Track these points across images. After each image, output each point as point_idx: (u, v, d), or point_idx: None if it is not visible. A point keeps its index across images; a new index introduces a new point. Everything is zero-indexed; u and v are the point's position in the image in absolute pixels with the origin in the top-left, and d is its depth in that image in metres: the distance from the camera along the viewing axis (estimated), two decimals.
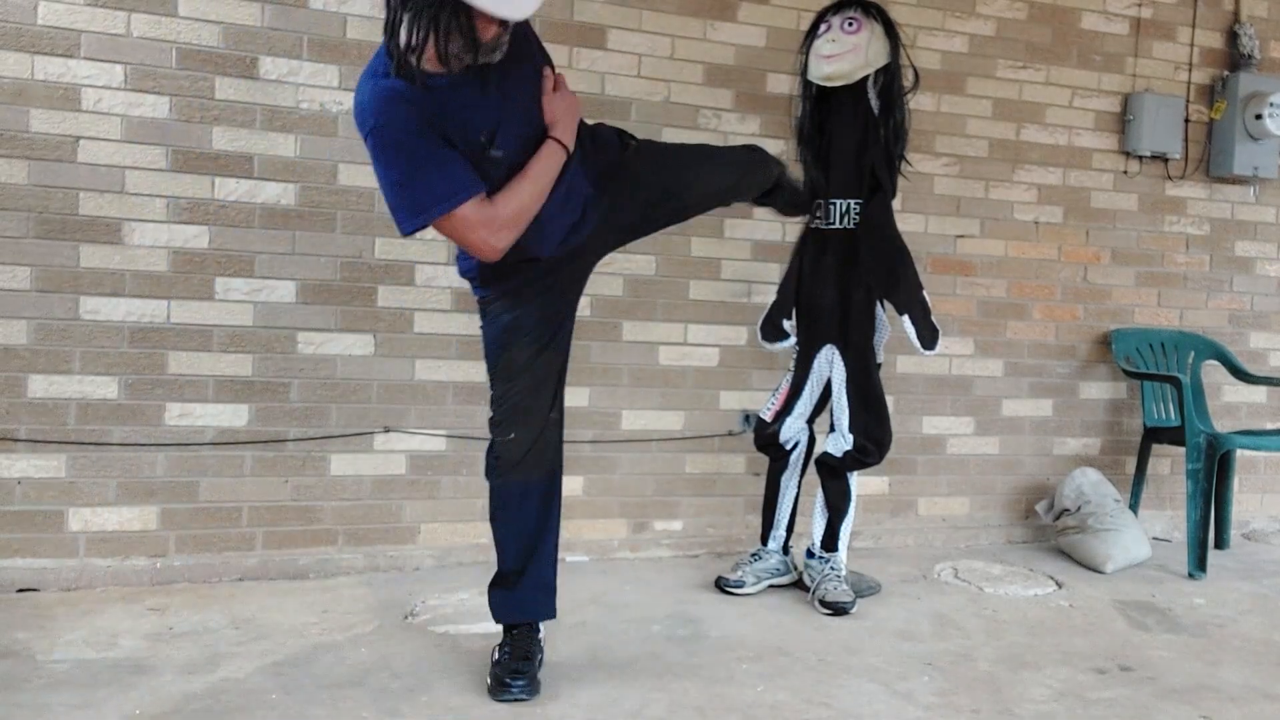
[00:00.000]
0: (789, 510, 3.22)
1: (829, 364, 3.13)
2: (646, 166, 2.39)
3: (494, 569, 2.44)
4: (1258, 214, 4.31)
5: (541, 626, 2.43)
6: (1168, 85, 4.12)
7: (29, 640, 2.51)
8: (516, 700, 2.24)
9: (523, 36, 2.11)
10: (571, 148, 2.16)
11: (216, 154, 3.05)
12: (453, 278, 3.27)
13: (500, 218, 2.06)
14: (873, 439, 3.07)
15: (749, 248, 3.62)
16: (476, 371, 3.31)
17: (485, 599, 2.44)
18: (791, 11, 3.60)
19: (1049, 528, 3.87)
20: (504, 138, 2.07)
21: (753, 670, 2.51)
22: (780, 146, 3.61)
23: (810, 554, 3.16)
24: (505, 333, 2.33)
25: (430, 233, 3.23)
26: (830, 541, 3.13)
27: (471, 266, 2.32)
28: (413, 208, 2.01)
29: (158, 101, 2.99)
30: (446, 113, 1.99)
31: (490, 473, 2.42)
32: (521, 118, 2.12)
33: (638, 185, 2.37)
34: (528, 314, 2.32)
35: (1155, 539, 3.96)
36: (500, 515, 2.42)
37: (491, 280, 2.32)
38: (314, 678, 2.34)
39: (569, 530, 3.44)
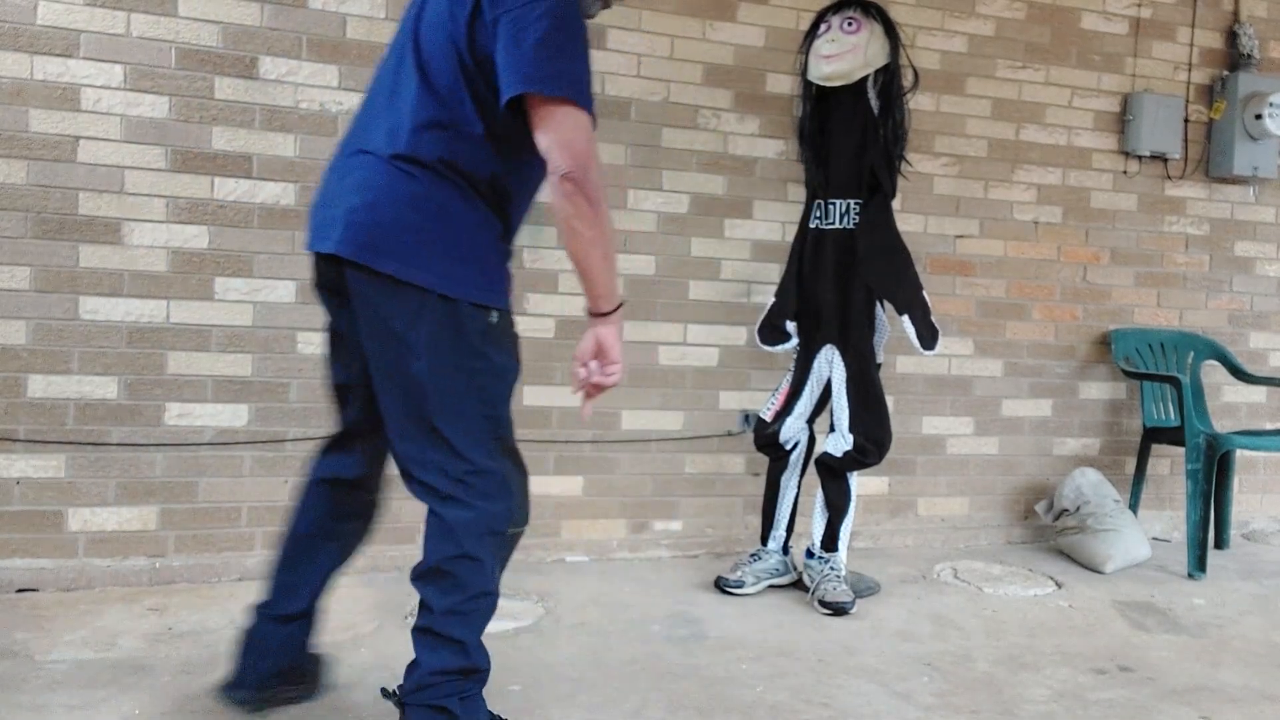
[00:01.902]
0: (789, 510, 3.22)
1: (829, 364, 3.13)
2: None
3: None
4: (1257, 214, 4.31)
5: None
6: (1167, 85, 4.12)
7: (28, 640, 2.51)
8: None
9: None
10: (605, 312, 1.91)
11: (216, 154, 3.05)
12: None
13: (599, 168, 1.85)
14: (872, 439, 3.07)
15: (749, 248, 3.62)
16: None
17: None
18: (791, 11, 3.60)
19: (1049, 528, 3.87)
20: None
21: (753, 670, 2.51)
22: (780, 146, 3.62)
23: (810, 554, 3.16)
24: (513, 373, 1.98)
25: None
26: (830, 542, 3.13)
27: (500, 277, 1.95)
28: (575, 83, 1.81)
29: (157, 101, 2.99)
30: None
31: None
32: None
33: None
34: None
35: (1155, 539, 3.96)
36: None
37: (509, 291, 1.96)
38: None
39: (569, 530, 3.45)
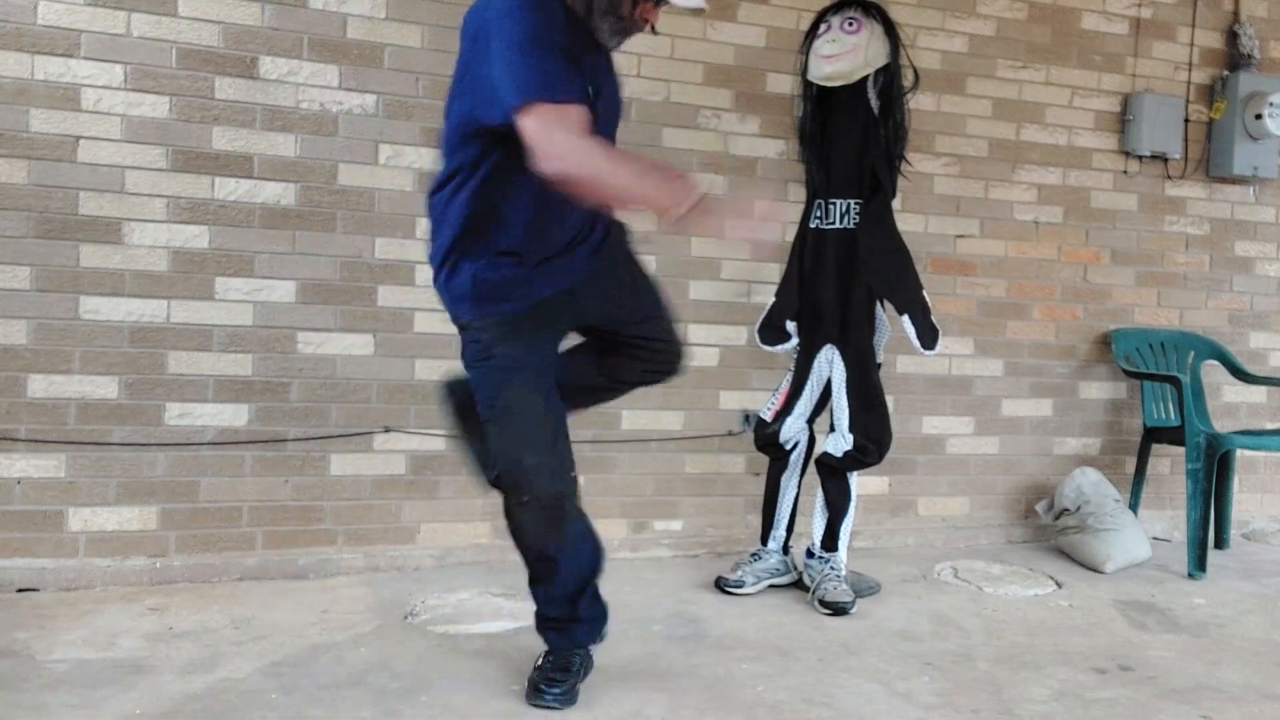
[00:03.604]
0: (789, 510, 3.22)
1: (829, 364, 3.13)
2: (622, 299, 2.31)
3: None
4: (1257, 214, 4.31)
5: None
6: (1168, 85, 4.12)
7: (29, 640, 2.51)
8: (548, 708, 2.21)
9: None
10: (672, 216, 1.89)
11: (216, 154, 3.05)
12: None
13: (596, 149, 1.89)
14: (872, 439, 3.07)
15: (749, 247, 3.61)
16: None
17: (485, 599, 2.43)
18: (791, 11, 3.60)
19: (1049, 528, 3.87)
20: (598, 105, 2.04)
21: (753, 670, 2.51)
22: (780, 146, 3.62)
23: (810, 554, 3.16)
24: (502, 372, 2.14)
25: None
26: (830, 541, 3.13)
27: (465, 283, 2.12)
28: (539, 83, 1.87)
29: (158, 101, 2.99)
30: (572, 47, 1.96)
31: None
32: (613, 99, 2.17)
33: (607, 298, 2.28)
34: (522, 351, 2.16)
35: (1155, 539, 3.96)
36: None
37: (487, 299, 2.12)
38: (313, 678, 2.34)
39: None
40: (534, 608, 2.36)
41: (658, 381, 2.49)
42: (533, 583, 2.33)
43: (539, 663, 2.32)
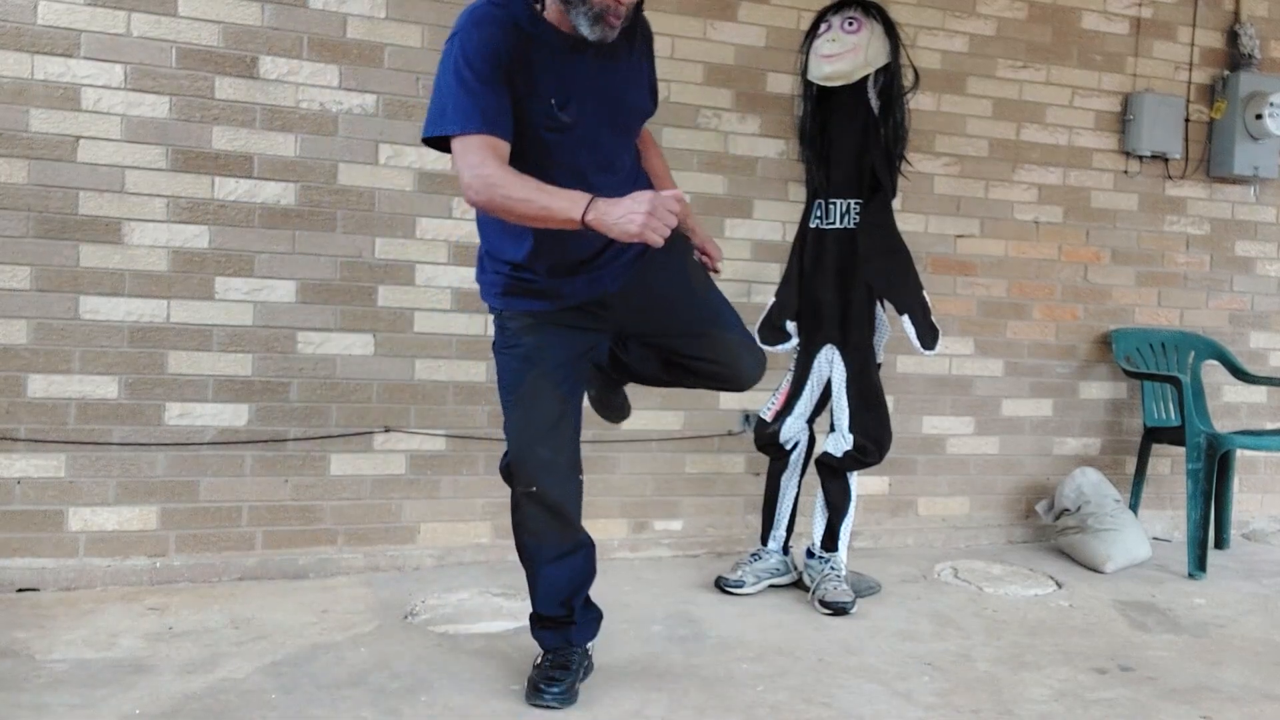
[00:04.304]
0: (789, 510, 3.22)
1: (829, 364, 3.13)
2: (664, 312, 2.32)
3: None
4: (1258, 214, 4.31)
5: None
6: (1168, 85, 4.12)
7: (29, 640, 2.51)
8: (548, 707, 2.22)
9: (641, 34, 2.21)
10: (581, 222, 1.94)
11: (216, 154, 3.05)
12: (453, 277, 3.28)
13: (494, 176, 1.95)
14: (872, 439, 3.07)
15: (749, 248, 3.62)
16: (476, 371, 3.32)
17: (485, 599, 2.44)
18: (791, 11, 3.59)
19: (1049, 528, 3.87)
20: (579, 108, 2.07)
21: (753, 670, 2.51)
22: (780, 146, 3.62)
23: (810, 554, 3.16)
24: (525, 360, 2.22)
25: (431, 232, 3.26)
26: (830, 541, 3.13)
27: (493, 280, 2.25)
28: (435, 118, 2.01)
29: (158, 101, 2.99)
30: (527, 61, 2.01)
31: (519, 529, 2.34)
32: (604, 97, 2.12)
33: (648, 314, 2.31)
34: (550, 345, 2.22)
35: (1155, 539, 3.96)
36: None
37: (514, 297, 2.23)
38: (313, 678, 2.34)
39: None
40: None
41: (726, 389, 2.53)
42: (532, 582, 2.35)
43: (538, 661, 2.32)
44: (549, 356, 2.21)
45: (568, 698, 2.25)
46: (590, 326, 2.26)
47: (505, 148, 1.99)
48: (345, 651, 2.51)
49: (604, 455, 3.46)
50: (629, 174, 2.24)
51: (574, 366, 2.27)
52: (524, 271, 2.18)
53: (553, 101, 2.03)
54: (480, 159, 1.95)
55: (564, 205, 1.93)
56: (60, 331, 2.94)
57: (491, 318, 2.32)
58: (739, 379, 2.40)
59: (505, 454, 2.30)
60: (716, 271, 2.41)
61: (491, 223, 2.18)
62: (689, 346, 2.33)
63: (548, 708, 2.22)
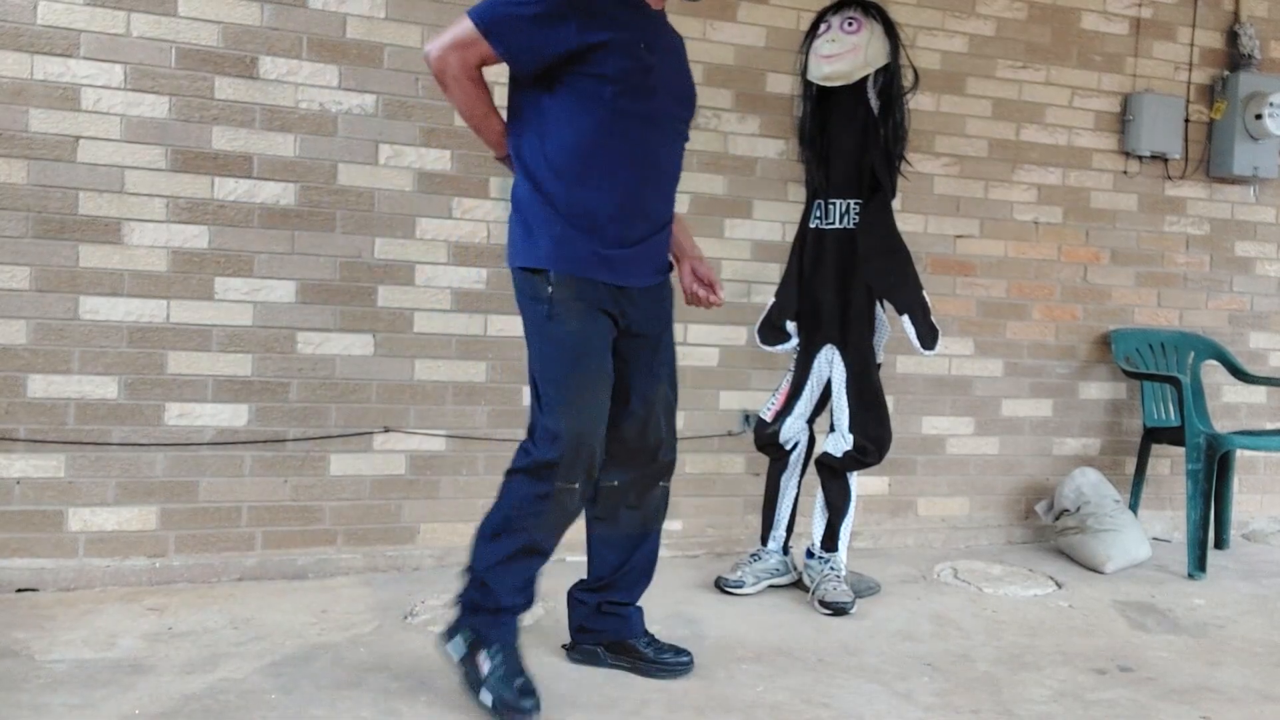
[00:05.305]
0: (789, 510, 3.22)
1: (829, 364, 3.13)
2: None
3: None
4: (1258, 214, 4.31)
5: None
6: (1168, 85, 4.12)
7: (28, 640, 2.51)
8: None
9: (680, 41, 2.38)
10: (505, 157, 2.27)
11: (216, 154, 3.05)
12: (452, 278, 3.28)
13: (461, 71, 2.12)
14: (872, 439, 3.07)
15: (749, 248, 3.62)
16: (476, 372, 3.32)
17: None
18: (791, 11, 3.60)
19: (1049, 528, 3.87)
20: (660, 60, 2.20)
21: (753, 670, 2.51)
22: (780, 146, 3.62)
23: (810, 554, 3.16)
24: (582, 341, 2.16)
25: (431, 232, 3.26)
26: (830, 542, 3.13)
27: (545, 242, 2.16)
28: (487, 7, 2.10)
29: (157, 101, 2.99)
30: (612, 14, 2.13)
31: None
32: (674, 62, 2.30)
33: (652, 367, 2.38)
34: (600, 334, 2.19)
35: (1155, 539, 3.96)
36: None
37: (571, 257, 2.15)
38: (313, 678, 2.34)
39: (569, 530, 3.44)
40: (534, 608, 2.36)
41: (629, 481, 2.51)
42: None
43: (486, 669, 2.20)
44: (599, 347, 2.19)
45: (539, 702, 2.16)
46: (611, 316, 2.23)
47: (484, 73, 2.15)
48: (344, 652, 2.51)
49: None
50: (671, 191, 2.34)
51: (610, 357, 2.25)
52: (593, 227, 2.14)
53: (642, 45, 2.14)
54: (471, 58, 2.11)
55: (499, 127, 2.23)
56: (60, 332, 2.94)
57: (514, 293, 2.22)
58: (646, 468, 2.52)
59: (530, 448, 2.18)
60: (714, 305, 2.50)
61: (575, 170, 2.13)
62: (632, 406, 2.33)
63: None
